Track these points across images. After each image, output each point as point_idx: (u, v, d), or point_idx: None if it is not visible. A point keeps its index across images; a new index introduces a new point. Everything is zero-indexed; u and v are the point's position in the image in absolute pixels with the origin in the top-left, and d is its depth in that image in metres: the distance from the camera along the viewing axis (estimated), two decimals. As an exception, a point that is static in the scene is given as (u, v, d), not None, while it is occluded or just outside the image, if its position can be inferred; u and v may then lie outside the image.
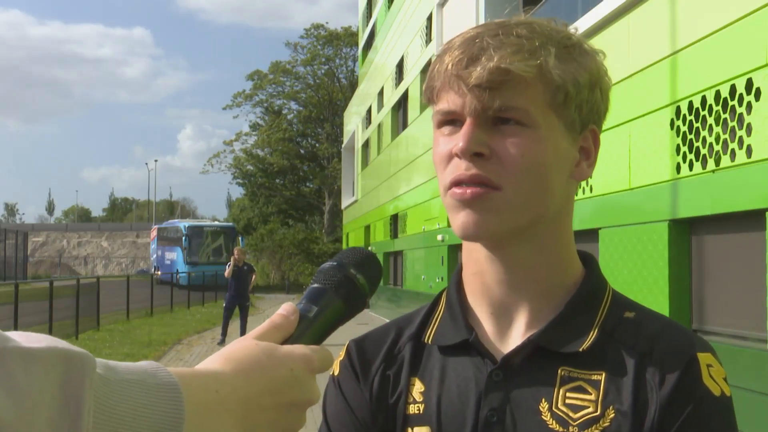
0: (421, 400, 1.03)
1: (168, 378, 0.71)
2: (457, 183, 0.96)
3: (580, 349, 0.98)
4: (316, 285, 0.89)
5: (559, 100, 0.96)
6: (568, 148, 1.00)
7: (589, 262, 1.07)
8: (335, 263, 0.91)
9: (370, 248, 25.11)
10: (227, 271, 15.38)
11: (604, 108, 1.03)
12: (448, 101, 0.97)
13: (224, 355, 0.79)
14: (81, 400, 0.64)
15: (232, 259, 15.36)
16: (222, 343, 15.41)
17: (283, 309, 0.85)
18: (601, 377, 0.96)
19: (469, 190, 0.95)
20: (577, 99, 0.97)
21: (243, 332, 15.69)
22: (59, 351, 0.64)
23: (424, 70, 17.42)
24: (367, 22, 29.84)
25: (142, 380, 0.69)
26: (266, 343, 0.80)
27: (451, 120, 0.98)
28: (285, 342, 0.83)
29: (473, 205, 0.95)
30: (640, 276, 6.92)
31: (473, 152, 0.94)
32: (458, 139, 0.96)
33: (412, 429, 1.02)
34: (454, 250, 14.23)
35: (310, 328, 0.86)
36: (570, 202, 1.05)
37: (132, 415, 0.67)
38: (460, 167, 0.96)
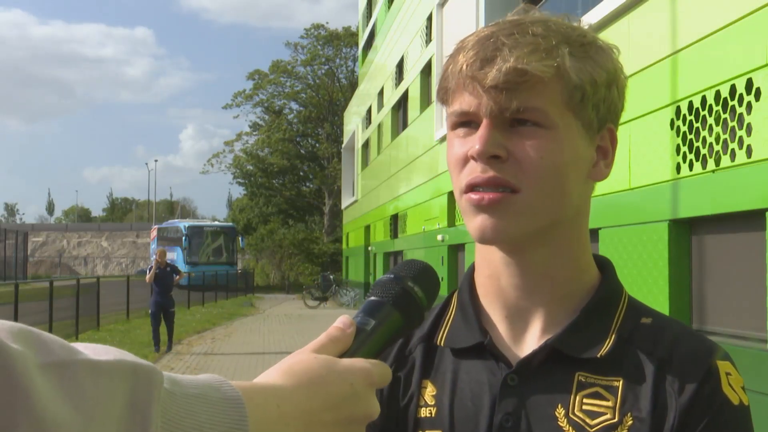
0: (433, 403, 1.01)
1: (232, 392, 0.70)
2: (473, 186, 0.94)
3: (599, 355, 0.96)
4: (373, 298, 0.88)
5: (576, 99, 0.94)
6: (586, 148, 0.97)
7: (606, 266, 1.05)
8: (392, 276, 0.90)
9: (370, 248, 25.14)
10: (148, 275, 14.46)
11: (621, 106, 1.01)
12: (463, 102, 0.95)
13: (283, 368, 0.77)
14: (149, 415, 0.62)
15: (154, 261, 14.52)
16: (157, 351, 14.15)
17: (340, 322, 0.83)
18: (619, 383, 0.94)
19: (486, 197, 0.93)
20: (594, 98, 0.95)
21: (170, 339, 14.64)
22: (127, 364, 0.63)
23: (424, 70, 17.40)
24: (367, 22, 29.84)
25: (206, 394, 0.68)
26: (325, 357, 0.79)
27: (466, 122, 0.96)
28: (342, 355, 0.81)
29: (491, 210, 0.93)
30: (640, 276, 6.91)
31: (490, 155, 0.92)
32: (474, 141, 0.93)
33: None
34: (454, 250, 14.22)
35: (368, 342, 0.84)
36: (587, 204, 1.02)
37: (198, 431, 0.66)
38: (476, 170, 0.93)
